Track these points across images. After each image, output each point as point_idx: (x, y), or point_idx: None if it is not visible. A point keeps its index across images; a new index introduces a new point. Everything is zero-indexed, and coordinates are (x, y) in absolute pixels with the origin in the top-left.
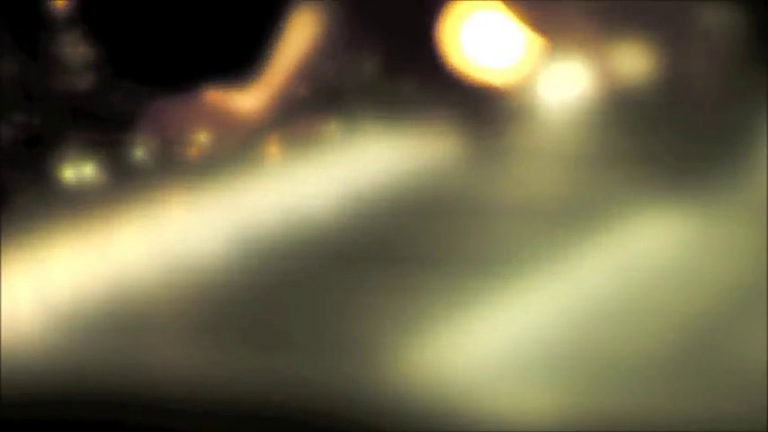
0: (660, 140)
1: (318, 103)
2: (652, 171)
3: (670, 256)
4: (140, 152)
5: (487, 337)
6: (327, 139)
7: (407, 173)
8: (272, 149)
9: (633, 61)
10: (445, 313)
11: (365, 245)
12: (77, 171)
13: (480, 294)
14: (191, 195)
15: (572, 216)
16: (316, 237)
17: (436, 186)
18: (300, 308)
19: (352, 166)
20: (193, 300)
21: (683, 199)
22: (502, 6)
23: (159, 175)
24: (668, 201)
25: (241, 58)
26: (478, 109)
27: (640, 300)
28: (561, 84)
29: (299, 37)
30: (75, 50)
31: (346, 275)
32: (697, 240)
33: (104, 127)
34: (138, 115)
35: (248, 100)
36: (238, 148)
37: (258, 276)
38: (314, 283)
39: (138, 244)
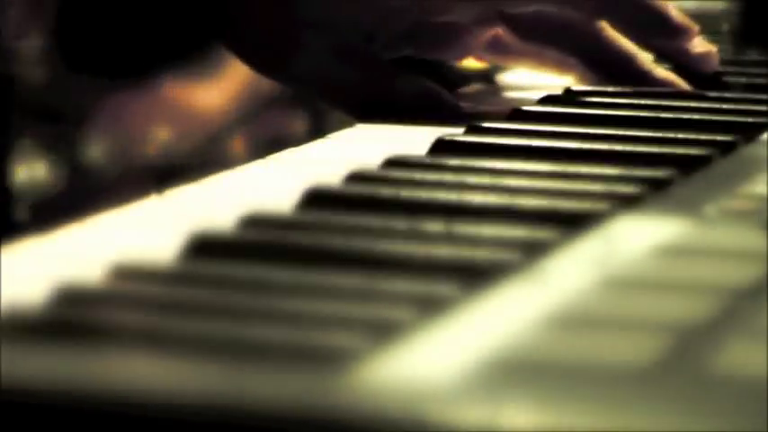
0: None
1: (287, 100)
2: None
3: (653, 262)
4: (96, 150)
5: (459, 346)
6: (296, 138)
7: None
8: (238, 148)
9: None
10: (417, 320)
11: (330, 247)
12: (30, 170)
13: (452, 300)
14: (149, 195)
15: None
16: (277, 238)
17: (405, 185)
18: (262, 314)
19: (321, 166)
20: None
21: (668, 201)
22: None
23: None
24: (652, 203)
25: (201, 50)
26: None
27: (621, 307)
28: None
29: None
30: (28, 42)
31: (310, 279)
32: (681, 245)
33: (58, 123)
34: (94, 111)
35: (211, 95)
36: (200, 146)
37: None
38: (276, 288)
39: (93, 245)
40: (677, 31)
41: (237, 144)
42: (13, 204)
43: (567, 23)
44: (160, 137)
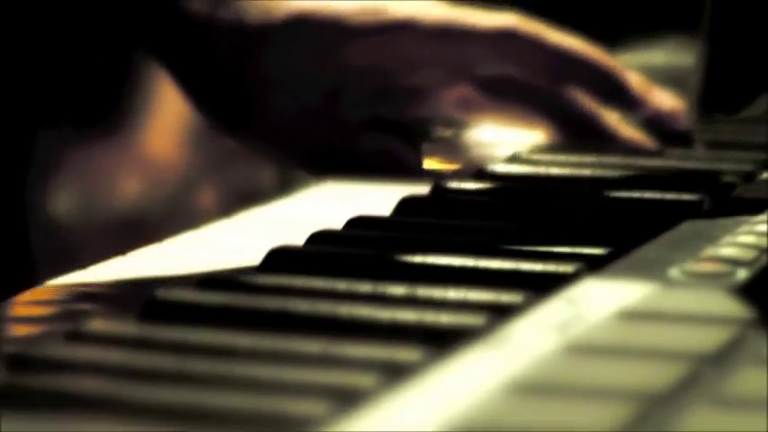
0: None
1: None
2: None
3: (617, 327)
4: (66, 201)
5: (421, 413)
6: (265, 191)
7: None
8: (207, 201)
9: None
10: (379, 386)
11: (292, 311)
12: None
13: (415, 366)
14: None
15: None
16: (238, 301)
17: (369, 246)
18: (221, 380)
19: (286, 226)
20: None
21: (633, 263)
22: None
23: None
24: (617, 265)
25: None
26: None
27: (584, 374)
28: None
29: None
30: None
31: (271, 343)
32: (646, 309)
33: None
34: (62, 162)
35: (176, 145)
36: (169, 198)
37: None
38: (237, 353)
39: (51, 308)
40: (635, 101)
41: (206, 197)
42: None
43: (531, 83)
44: (128, 189)
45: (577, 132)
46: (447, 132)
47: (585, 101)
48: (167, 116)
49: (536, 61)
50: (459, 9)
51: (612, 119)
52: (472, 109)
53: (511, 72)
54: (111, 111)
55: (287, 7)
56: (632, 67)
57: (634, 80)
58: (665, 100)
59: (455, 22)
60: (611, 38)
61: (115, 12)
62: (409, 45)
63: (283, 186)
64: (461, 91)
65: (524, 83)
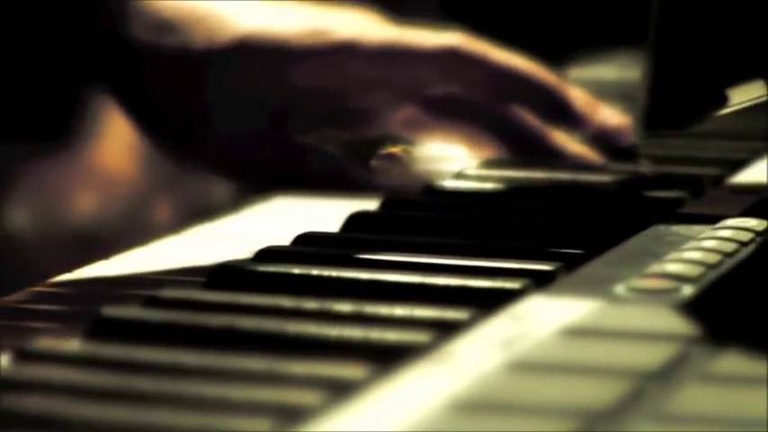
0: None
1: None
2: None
3: (562, 344)
4: (21, 216)
5: (366, 430)
6: (220, 204)
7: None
8: (162, 216)
9: None
10: (324, 404)
11: (237, 328)
12: None
13: (361, 383)
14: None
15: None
16: (184, 318)
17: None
18: (166, 398)
19: (235, 242)
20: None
21: (579, 279)
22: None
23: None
24: (563, 281)
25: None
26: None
27: (528, 391)
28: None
29: None
30: None
31: (216, 361)
32: (591, 326)
33: None
34: (16, 177)
35: (131, 158)
36: (124, 212)
37: None
38: (182, 371)
39: None
40: (578, 119)
41: (162, 211)
42: None
43: (477, 102)
44: (83, 204)
45: (524, 150)
46: (395, 148)
47: (531, 118)
48: (122, 131)
49: (480, 80)
50: (404, 29)
51: (559, 135)
52: (420, 128)
53: (456, 91)
54: (65, 126)
55: (230, 32)
56: (582, 81)
57: (578, 97)
58: (610, 116)
59: (399, 43)
60: (561, 52)
61: (59, 38)
62: (354, 66)
63: (238, 200)
64: (408, 110)
65: (470, 101)
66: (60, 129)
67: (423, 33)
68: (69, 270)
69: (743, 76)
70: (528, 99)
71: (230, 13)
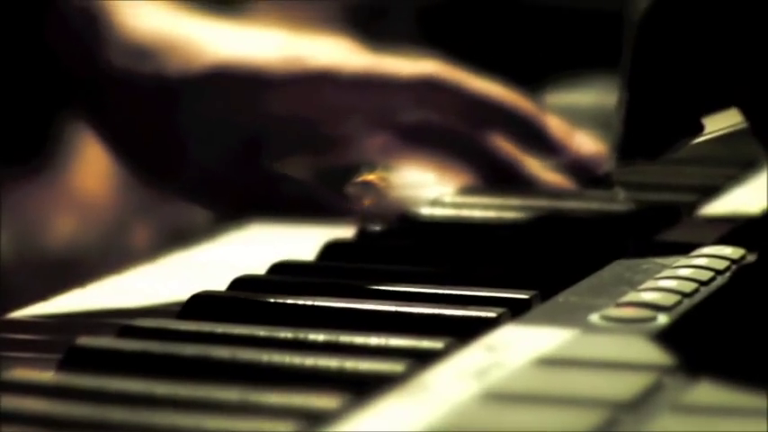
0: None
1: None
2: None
3: (536, 373)
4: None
5: None
6: (198, 229)
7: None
8: (140, 240)
9: None
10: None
11: (211, 358)
12: None
13: (334, 414)
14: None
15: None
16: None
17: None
18: (140, 428)
19: (210, 270)
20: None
21: (554, 308)
22: None
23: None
24: (538, 310)
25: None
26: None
27: (501, 422)
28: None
29: None
30: None
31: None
32: (565, 356)
33: None
34: None
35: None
36: (104, 238)
37: None
38: (156, 401)
39: None
40: (554, 147)
41: (140, 236)
42: None
43: (453, 130)
44: (61, 229)
45: (499, 178)
46: (370, 175)
47: (506, 146)
48: (99, 155)
49: (456, 108)
50: (380, 56)
51: (533, 164)
52: (395, 155)
53: (432, 118)
54: (41, 150)
55: (206, 60)
56: (558, 107)
57: (554, 125)
58: (585, 144)
59: (375, 71)
60: (538, 78)
61: (34, 64)
62: (330, 94)
63: (215, 227)
64: (384, 138)
65: (446, 129)
66: (37, 153)
67: (399, 61)
68: (46, 295)
69: (717, 104)
70: (504, 126)
71: (206, 40)
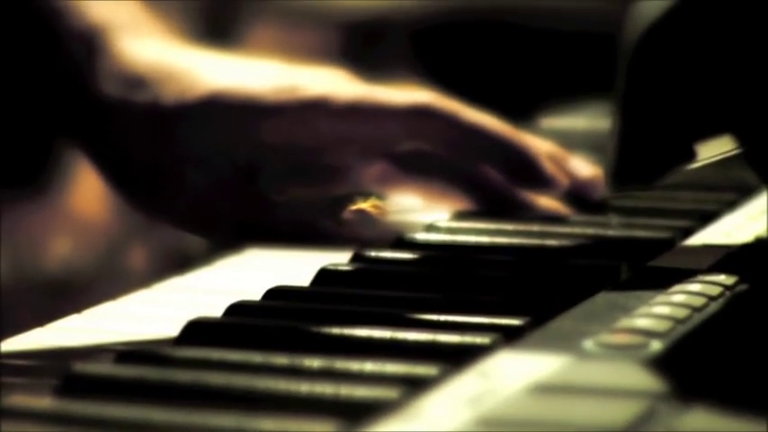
0: None
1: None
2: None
3: (530, 400)
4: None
5: None
6: (195, 251)
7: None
8: (136, 262)
9: None
10: None
11: (208, 385)
12: None
13: None
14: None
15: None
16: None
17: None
18: None
19: (206, 296)
20: None
21: (548, 334)
22: None
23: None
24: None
25: None
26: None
27: None
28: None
29: None
30: None
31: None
32: (559, 382)
33: None
34: None
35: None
36: (99, 259)
37: None
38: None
39: None
40: (547, 181)
41: (135, 258)
42: None
43: (447, 157)
44: (57, 250)
45: (494, 205)
46: (365, 203)
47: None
48: (95, 178)
49: (447, 139)
50: (373, 86)
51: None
52: (390, 183)
53: (425, 148)
54: (38, 173)
55: (201, 88)
56: (552, 131)
57: (546, 158)
58: (582, 169)
59: (368, 100)
60: (532, 102)
61: (30, 92)
62: (323, 123)
63: (211, 252)
64: (379, 166)
65: (440, 157)
66: (34, 176)
67: (392, 91)
68: (42, 316)
69: (711, 131)
70: (496, 160)
71: (201, 69)
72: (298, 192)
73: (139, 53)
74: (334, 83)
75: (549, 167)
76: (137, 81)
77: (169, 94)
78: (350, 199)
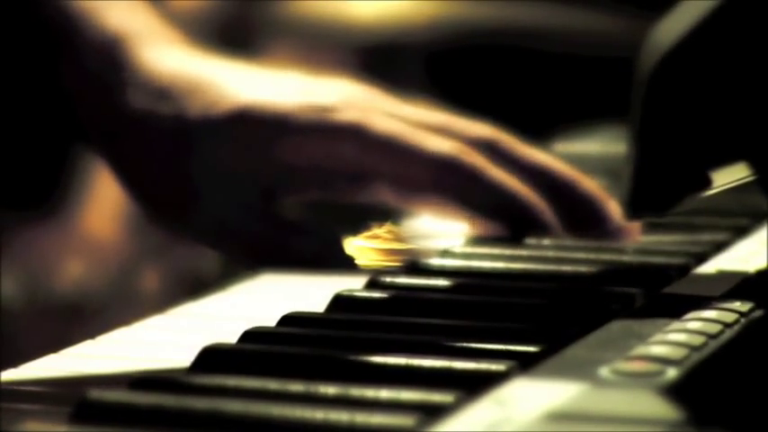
0: None
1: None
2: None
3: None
4: (8, 286)
5: None
6: (208, 275)
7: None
8: (149, 284)
9: None
10: None
11: (223, 412)
12: None
13: None
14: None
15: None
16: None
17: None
18: None
19: (220, 323)
20: None
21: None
22: None
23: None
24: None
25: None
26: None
27: None
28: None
29: None
30: None
31: None
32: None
33: None
34: (3, 246)
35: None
36: (112, 280)
37: None
38: None
39: None
40: (614, 233)
41: (149, 280)
42: None
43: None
44: (70, 272)
45: (519, 226)
46: (380, 230)
47: (527, 193)
48: (108, 199)
49: (472, 194)
50: (408, 124)
51: (550, 214)
52: (411, 199)
53: (448, 202)
54: (52, 194)
55: (229, 103)
56: (566, 156)
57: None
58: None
59: (402, 138)
60: (546, 126)
61: (52, 103)
62: (352, 152)
63: (226, 275)
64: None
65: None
66: (47, 196)
67: (427, 134)
68: (55, 342)
69: (725, 158)
70: (518, 219)
71: (227, 81)
72: (313, 197)
73: (163, 63)
74: (371, 110)
75: (553, 222)
76: (160, 93)
77: (194, 108)
78: (365, 226)
